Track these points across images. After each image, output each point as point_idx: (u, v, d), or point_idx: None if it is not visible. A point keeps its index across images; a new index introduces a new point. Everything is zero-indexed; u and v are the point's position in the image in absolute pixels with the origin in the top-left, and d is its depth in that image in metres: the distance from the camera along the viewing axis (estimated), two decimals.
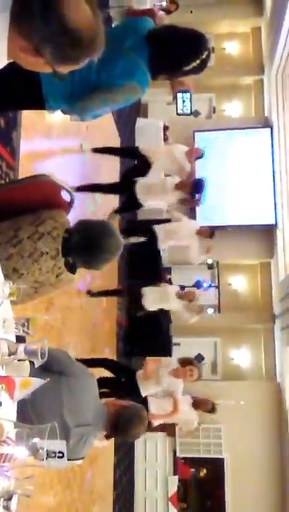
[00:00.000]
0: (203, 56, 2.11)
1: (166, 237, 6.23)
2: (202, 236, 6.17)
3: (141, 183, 5.75)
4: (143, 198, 5.77)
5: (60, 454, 1.34)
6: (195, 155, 5.92)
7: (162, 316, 7.36)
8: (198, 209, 9.43)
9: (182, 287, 8.66)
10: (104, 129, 6.93)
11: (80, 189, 5.25)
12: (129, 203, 6.10)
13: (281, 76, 9.44)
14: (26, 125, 3.69)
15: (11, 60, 1.21)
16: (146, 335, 7.53)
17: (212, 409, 5.32)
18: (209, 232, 6.24)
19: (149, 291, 5.89)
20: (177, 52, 2.11)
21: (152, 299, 5.83)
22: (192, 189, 5.91)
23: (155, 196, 5.82)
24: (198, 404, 5.21)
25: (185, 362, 4.86)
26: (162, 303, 5.92)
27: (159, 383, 4.79)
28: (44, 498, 4.00)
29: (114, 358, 7.15)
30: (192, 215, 9.34)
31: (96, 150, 5.68)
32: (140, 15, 5.91)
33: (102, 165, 6.39)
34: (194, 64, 2.11)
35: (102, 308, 6.41)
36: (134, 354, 8.11)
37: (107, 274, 6.71)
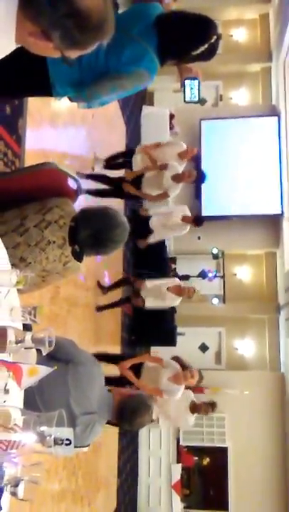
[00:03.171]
0: (212, 41, 2.08)
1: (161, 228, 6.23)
2: (188, 222, 6.11)
3: (147, 178, 5.76)
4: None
5: (68, 442, 1.35)
6: (190, 155, 5.90)
7: None
8: (203, 199, 9.40)
9: (187, 277, 8.68)
10: (110, 117, 6.89)
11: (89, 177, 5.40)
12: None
13: None
14: (32, 113, 3.67)
15: (19, 45, 1.19)
16: (150, 325, 7.54)
17: (212, 410, 5.15)
18: (194, 220, 6.13)
19: (148, 287, 5.81)
20: (185, 37, 2.08)
21: (151, 296, 5.78)
22: (196, 180, 5.94)
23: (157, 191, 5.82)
24: (194, 408, 5.01)
25: (183, 366, 4.66)
26: (160, 301, 5.84)
27: (157, 385, 4.61)
28: (49, 485, 4.04)
29: (119, 347, 7.18)
30: (198, 203, 9.31)
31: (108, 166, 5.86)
32: (148, 1, 5.83)
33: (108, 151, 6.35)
34: (202, 48, 2.07)
35: (108, 298, 6.41)
36: (139, 344, 8.14)
37: (113, 263, 6.71)
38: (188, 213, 6.14)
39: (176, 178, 5.68)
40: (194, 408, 4.99)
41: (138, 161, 5.77)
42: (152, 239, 6.29)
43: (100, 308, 5.92)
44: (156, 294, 5.75)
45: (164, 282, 5.74)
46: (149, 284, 5.81)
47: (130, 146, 7.29)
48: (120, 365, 4.68)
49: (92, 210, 2.15)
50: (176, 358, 4.80)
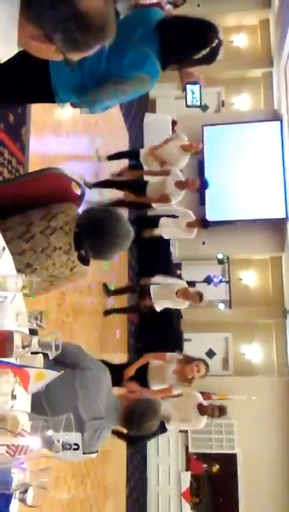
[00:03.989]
0: (213, 44, 2.08)
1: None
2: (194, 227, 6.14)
3: (151, 184, 5.81)
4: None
5: (76, 446, 1.33)
6: (193, 148, 5.93)
7: (173, 312, 7.33)
8: (208, 204, 9.39)
9: (192, 283, 8.65)
10: (113, 124, 6.92)
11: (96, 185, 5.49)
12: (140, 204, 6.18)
13: None
14: (35, 121, 3.69)
15: (21, 49, 1.19)
16: (157, 331, 7.51)
17: (220, 415, 5.10)
18: (200, 223, 6.17)
19: (156, 290, 5.77)
20: (186, 41, 2.08)
21: (160, 298, 5.74)
22: (199, 187, 6.00)
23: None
24: (202, 409, 4.98)
25: (188, 360, 4.62)
26: (169, 302, 5.79)
27: (164, 381, 4.64)
28: (58, 494, 4.01)
29: (126, 354, 7.15)
30: (202, 209, 9.31)
31: (111, 157, 5.98)
32: (148, 7, 5.90)
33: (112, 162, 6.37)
34: (204, 52, 2.08)
35: (113, 305, 6.41)
36: (145, 350, 8.10)
37: (118, 270, 6.70)
38: (193, 218, 6.15)
39: (180, 184, 5.71)
40: (201, 409, 4.98)
41: (144, 163, 5.83)
42: (158, 231, 6.32)
43: (107, 312, 5.90)
44: (165, 296, 5.69)
45: (171, 282, 5.68)
46: (157, 279, 5.74)
47: (135, 147, 7.36)
48: (125, 372, 4.67)
49: (96, 209, 2.15)
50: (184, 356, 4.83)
